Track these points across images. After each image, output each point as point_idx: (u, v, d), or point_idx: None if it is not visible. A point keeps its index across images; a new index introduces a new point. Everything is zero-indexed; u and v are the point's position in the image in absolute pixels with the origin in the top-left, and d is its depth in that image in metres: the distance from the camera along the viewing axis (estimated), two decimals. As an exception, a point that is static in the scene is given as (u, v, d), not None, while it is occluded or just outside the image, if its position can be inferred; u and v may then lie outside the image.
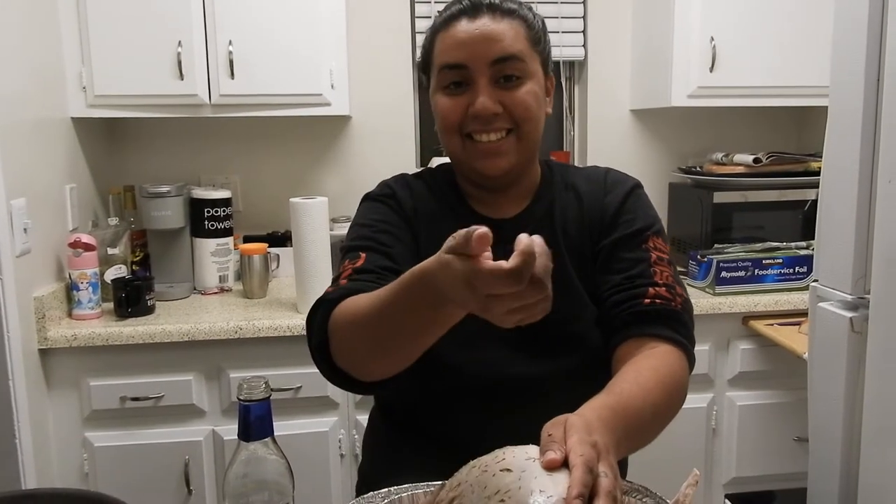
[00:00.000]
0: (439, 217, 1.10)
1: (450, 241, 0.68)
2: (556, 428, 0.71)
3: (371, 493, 0.86)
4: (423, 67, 1.10)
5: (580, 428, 0.70)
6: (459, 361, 1.03)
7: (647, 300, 0.99)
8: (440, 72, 1.03)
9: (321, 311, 0.93)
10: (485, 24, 1.01)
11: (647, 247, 1.05)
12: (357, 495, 1.13)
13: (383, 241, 1.04)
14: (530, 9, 1.07)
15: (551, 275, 0.68)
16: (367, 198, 1.14)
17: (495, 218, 1.09)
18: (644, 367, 0.91)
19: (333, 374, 0.94)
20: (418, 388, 1.05)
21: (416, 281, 0.75)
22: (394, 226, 1.07)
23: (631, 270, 1.03)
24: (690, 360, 0.99)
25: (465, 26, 1.01)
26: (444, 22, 1.04)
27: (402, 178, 1.16)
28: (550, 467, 0.66)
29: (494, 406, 1.03)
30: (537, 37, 1.05)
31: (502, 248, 1.03)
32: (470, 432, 1.00)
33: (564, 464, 0.66)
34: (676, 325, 0.99)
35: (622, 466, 0.79)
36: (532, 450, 0.70)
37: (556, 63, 2.67)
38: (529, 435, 0.73)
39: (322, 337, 0.92)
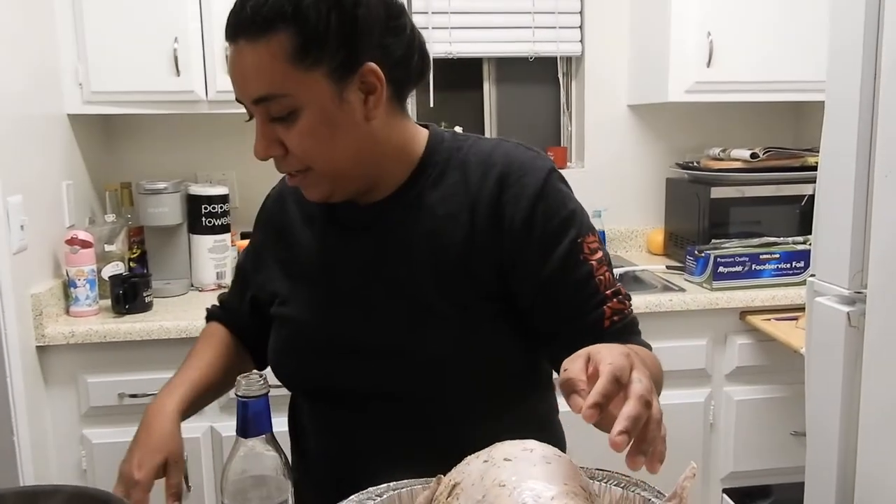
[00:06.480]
0: (303, 218, 1.04)
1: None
2: (575, 362, 0.66)
3: (370, 488, 0.86)
4: None
5: (609, 346, 0.66)
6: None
7: (608, 322, 0.91)
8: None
9: (206, 315, 1.21)
10: (241, 51, 0.84)
11: (585, 256, 0.91)
12: None
13: (243, 276, 1.18)
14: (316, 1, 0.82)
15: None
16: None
17: (360, 203, 0.97)
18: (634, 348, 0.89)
19: None
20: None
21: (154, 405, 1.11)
22: (256, 252, 1.14)
23: (579, 294, 0.91)
24: None
25: (230, 53, 0.86)
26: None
27: (280, 183, 1.10)
28: (578, 411, 0.60)
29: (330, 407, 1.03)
30: (312, 43, 0.82)
31: (359, 233, 0.98)
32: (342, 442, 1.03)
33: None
34: (636, 329, 0.96)
35: None
36: (517, 447, 0.69)
37: (553, 59, 2.67)
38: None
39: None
